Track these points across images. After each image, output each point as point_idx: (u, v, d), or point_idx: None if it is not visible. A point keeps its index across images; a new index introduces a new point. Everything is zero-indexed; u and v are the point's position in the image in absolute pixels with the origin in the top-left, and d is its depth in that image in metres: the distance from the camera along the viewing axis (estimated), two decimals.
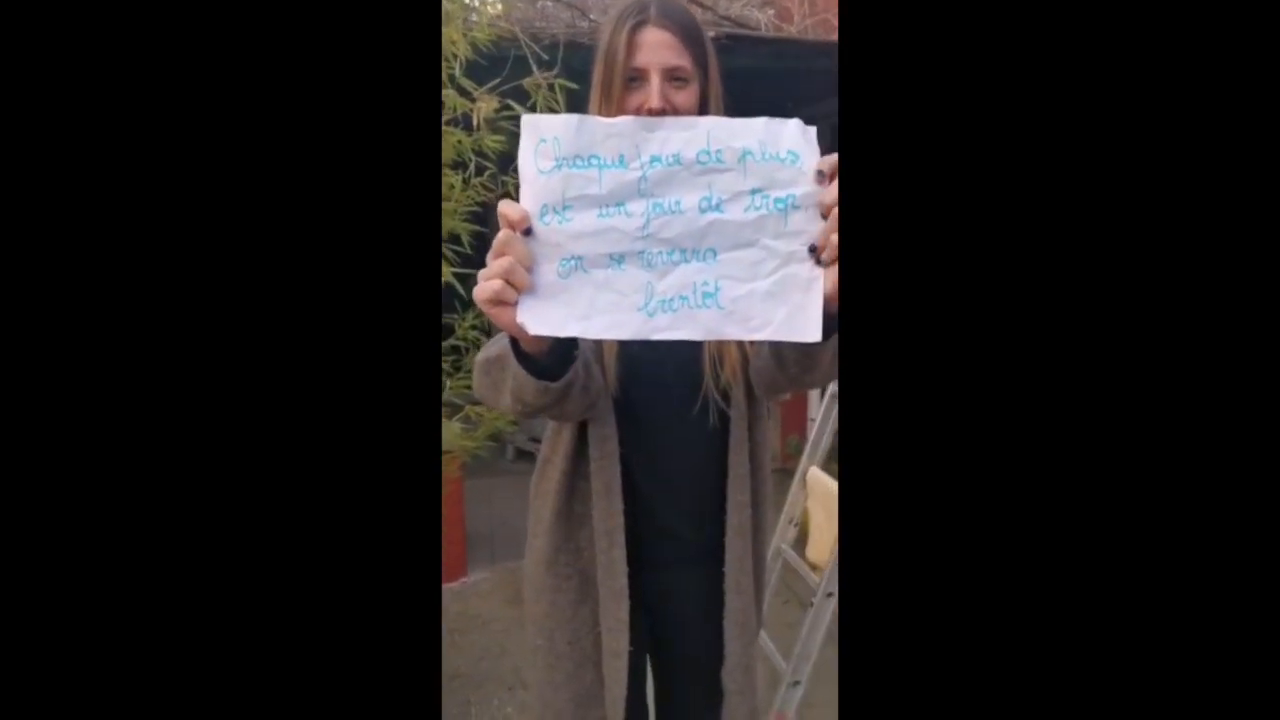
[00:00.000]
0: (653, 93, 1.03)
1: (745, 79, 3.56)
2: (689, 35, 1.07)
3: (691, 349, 1.15)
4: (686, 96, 1.06)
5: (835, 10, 3.66)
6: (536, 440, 4.79)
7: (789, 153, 0.82)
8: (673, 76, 1.05)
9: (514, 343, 0.95)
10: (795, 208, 0.82)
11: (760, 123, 0.84)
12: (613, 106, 1.04)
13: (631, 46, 1.03)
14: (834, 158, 0.83)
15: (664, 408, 1.17)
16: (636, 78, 1.04)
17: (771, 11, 3.64)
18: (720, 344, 1.14)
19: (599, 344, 1.11)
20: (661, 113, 1.02)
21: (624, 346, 1.12)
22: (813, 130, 0.84)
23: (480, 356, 1.08)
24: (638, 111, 1.03)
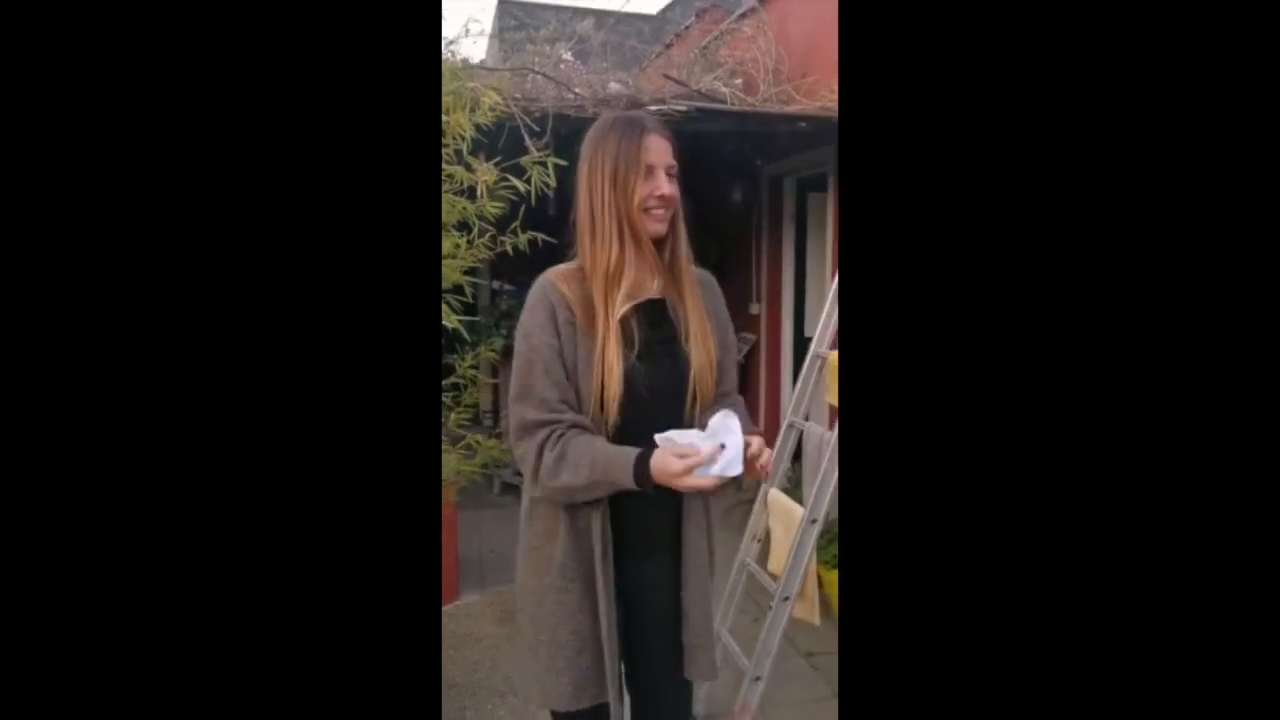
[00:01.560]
0: (662, 182, 1.41)
1: (718, 142, 3.99)
2: (674, 144, 1.45)
3: (678, 384, 1.47)
4: (675, 186, 1.44)
5: (796, 82, 4.04)
6: (520, 474, 5.02)
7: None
8: (669, 173, 1.42)
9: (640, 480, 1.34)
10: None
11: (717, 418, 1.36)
12: (624, 194, 1.39)
13: (643, 149, 1.39)
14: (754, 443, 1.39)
15: (651, 430, 1.44)
16: (648, 172, 1.40)
17: (739, 82, 4.03)
18: (699, 379, 1.47)
19: (604, 385, 1.40)
20: (668, 198, 1.41)
21: (628, 387, 1.41)
22: (734, 418, 1.35)
23: (586, 478, 1.37)
24: (649, 196, 1.40)
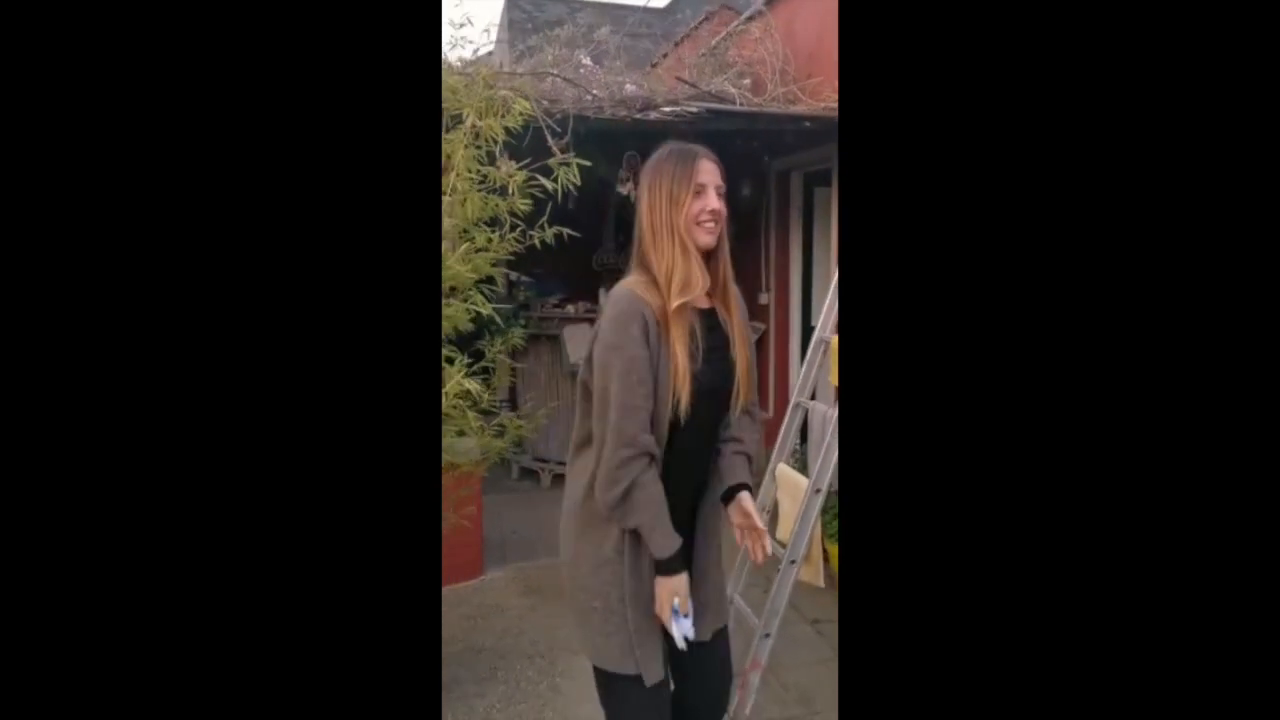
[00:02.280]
0: (712, 198, 1.64)
1: (727, 139, 4.23)
2: (721, 168, 1.69)
3: (727, 386, 1.71)
4: (722, 203, 1.67)
5: (802, 83, 4.23)
6: (539, 460, 5.21)
7: None
8: (718, 192, 1.66)
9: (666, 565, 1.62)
10: None
11: None
12: (680, 209, 1.62)
13: (695, 170, 1.63)
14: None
15: (704, 426, 1.71)
16: (699, 191, 1.63)
17: (747, 82, 4.23)
18: (741, 381, 1.73)
19: (675, 383, 1.59)
20: (718, 212, 1.64)
21: (695, 386, 1.61)
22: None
23: (646, 522, 1.59)
24: (701, 211, 1.63)
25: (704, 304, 1.70)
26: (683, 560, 1.63)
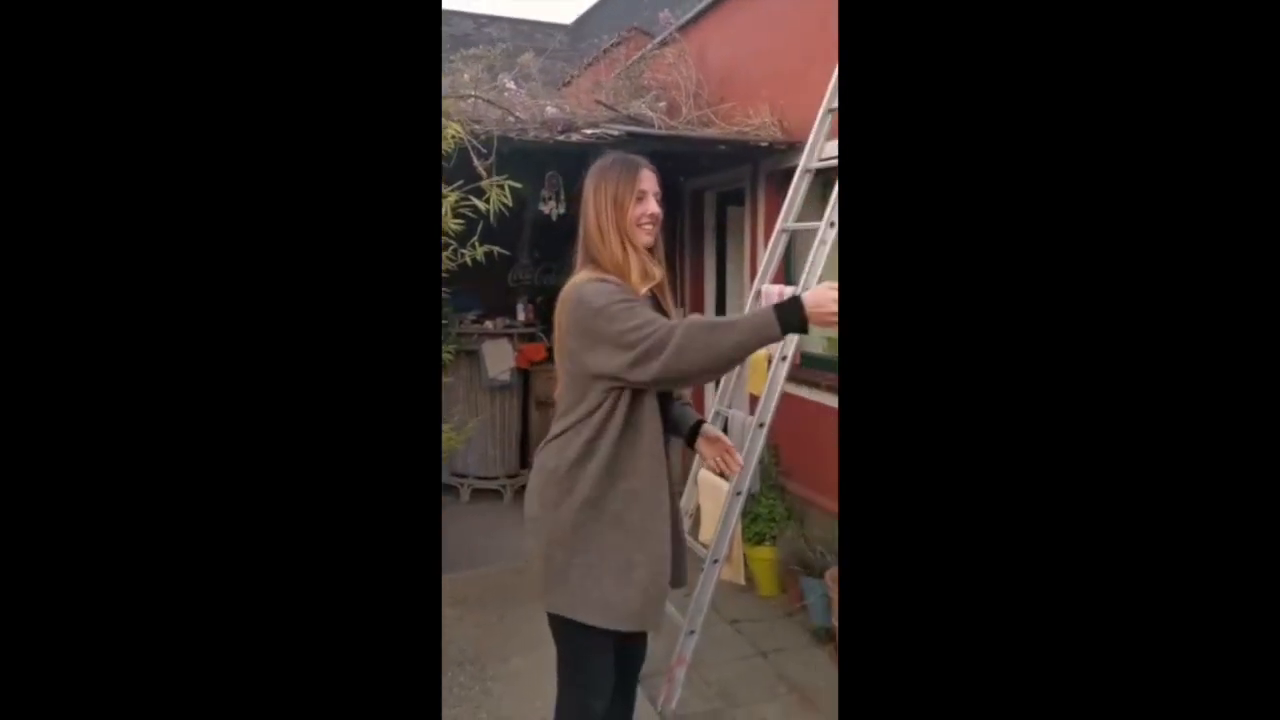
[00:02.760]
0: (651, 204, 1.84)
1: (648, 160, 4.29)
2: (660, 177, 1.89)
3: None
4: (660, 208, 1.86)
5: (714, 107, 4.43)
6: (458, 475, 5.23)
7: None
8: (657, 198, 1.86)
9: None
10: None
11: None
12: (624, 212, 1.81)
13: (638, 179, 1.83)
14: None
15: (660, 397, 1.87)
16: (640, 197, 1.82)
17: (663, 105, 4.40)
18: None
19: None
20: (656, 216, 1.84)
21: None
22: None
23: (732, 340, 1.60)
24: (642, 215, 1.83)
25: (645, 292, 1.88)
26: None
